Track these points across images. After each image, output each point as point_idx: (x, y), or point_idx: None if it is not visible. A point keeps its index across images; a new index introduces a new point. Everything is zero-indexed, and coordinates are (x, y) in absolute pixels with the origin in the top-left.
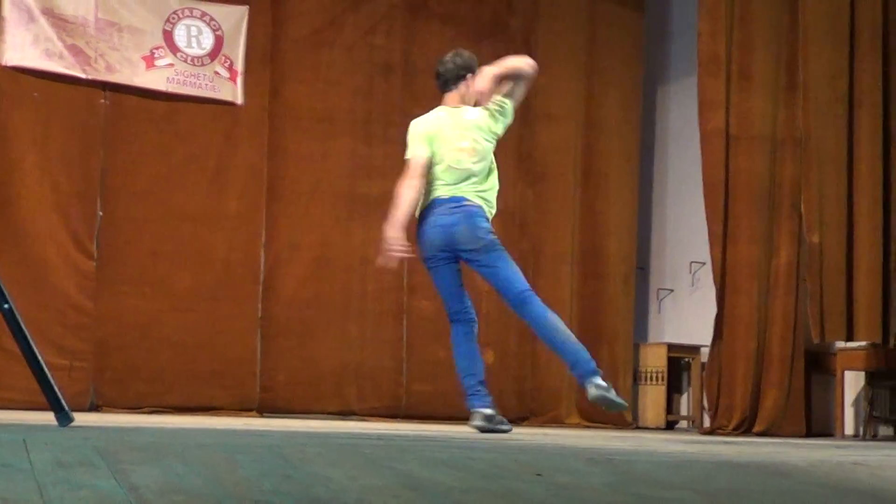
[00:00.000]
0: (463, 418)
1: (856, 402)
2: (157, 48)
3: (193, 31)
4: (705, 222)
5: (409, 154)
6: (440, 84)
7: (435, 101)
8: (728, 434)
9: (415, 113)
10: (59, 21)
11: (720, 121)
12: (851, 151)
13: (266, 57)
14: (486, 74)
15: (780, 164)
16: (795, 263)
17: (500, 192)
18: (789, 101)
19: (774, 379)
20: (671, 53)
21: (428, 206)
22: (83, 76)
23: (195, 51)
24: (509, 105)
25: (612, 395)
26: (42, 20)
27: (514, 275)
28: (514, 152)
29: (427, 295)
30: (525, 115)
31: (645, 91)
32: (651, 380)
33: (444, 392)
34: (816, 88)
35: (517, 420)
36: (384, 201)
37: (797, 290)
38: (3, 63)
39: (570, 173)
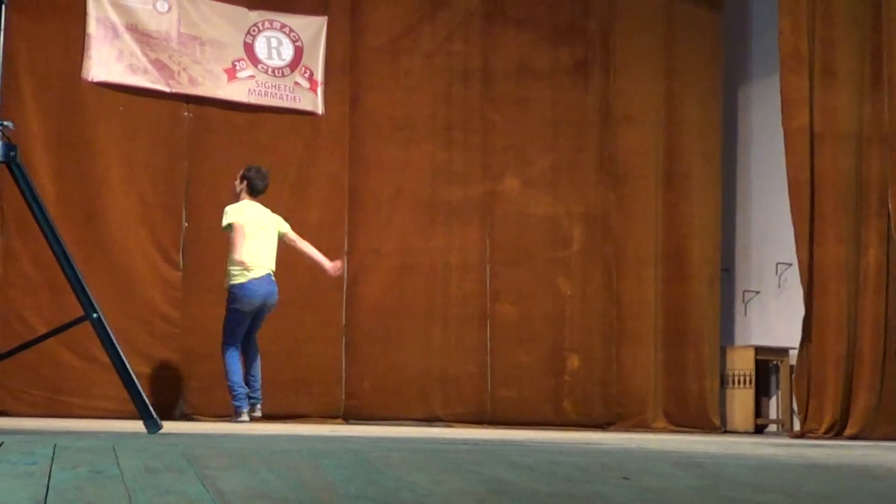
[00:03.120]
0: (548, 424)
1: None
2: (238, 60)
3: (273, 42)
4: (791, 222)
5: (230, 221)
6: (259, 189)
7: (515, 106)
8: (819, 437)
9: (494, 118)
10: (142, 36)
11: (804, 119)
12: None
13: (345, 66)
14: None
15: (866, 161)
16: (885, 263)
17: (582, 195)
18: (875, 96)
19: (865, 381)
20: (752, 52)
21: (252, 277)
22: (167, 90)
23: (275, 62)
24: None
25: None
26: (126, 36)
27: None
28: (595, 155)
29: (510, 300)
30: (605, 118)
31: (726, 90)
32: (739, 383)
33: (529, 398)
34: None
35: (603, 425)
36: (465, 207)
37: (887, 290)
38: (90, 79)
39: (651, 175)
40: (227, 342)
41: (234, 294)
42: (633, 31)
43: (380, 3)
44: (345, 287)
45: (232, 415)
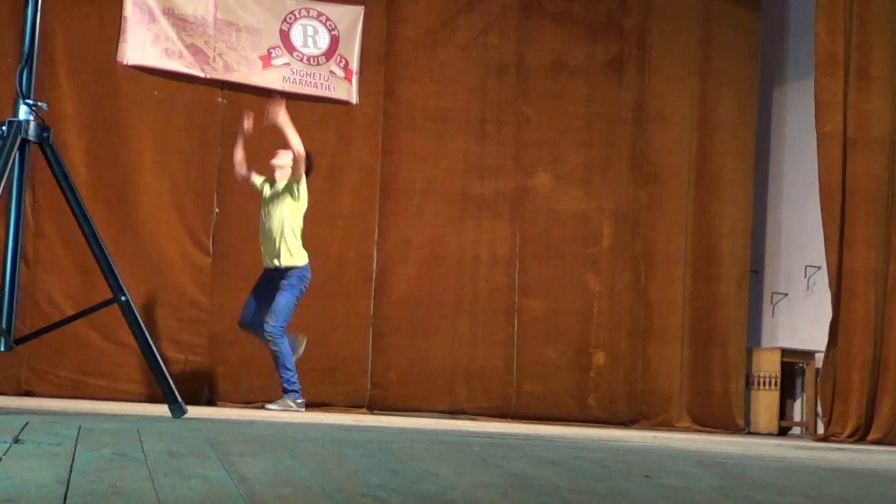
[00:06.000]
0: (573, 420)
1: None
2: (273, 48)
3: (310, 30)
4: (821, 225)
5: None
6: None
7: (549, 101)
8: (842, 441)
9: (527, 113)
10: (178, 21)
11: (837, 122)
12: None
13: (381, 57)
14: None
15: None
16: None
17: (614, 192)
18: None
19: (891, 386)
20: (787, 54)
21: None
22: (202, 75)
23: (311, 50)
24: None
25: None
26: (162, 20)
27: None
28: (627, 153)
29: (539, 295)
30: (639, 116)
31: (760, 92)
32: (764, 385)
33: (554, 393)
34: None
35: (627, 422)
36: (496, 201)
37: None
38: (125, 62)
39: (683, 174)
40: (285, 326)
41: (304, 276)
42: (670, 30)
43: None
44: (374, 277)
45: (279, 400)
